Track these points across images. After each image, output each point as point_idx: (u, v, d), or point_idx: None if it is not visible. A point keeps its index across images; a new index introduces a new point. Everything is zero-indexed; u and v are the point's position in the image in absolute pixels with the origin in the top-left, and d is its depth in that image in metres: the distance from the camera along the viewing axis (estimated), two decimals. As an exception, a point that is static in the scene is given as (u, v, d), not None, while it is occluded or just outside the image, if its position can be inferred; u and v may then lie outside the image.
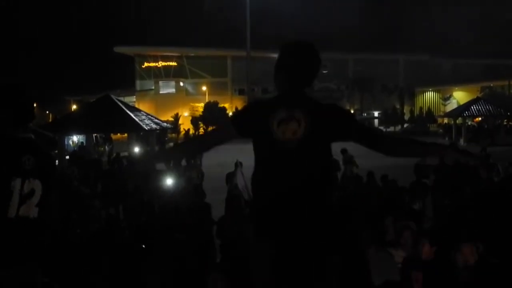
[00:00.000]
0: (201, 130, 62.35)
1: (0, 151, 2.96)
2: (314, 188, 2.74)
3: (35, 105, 3.34)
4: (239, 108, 47.07)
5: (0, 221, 2.89)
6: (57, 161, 15.40)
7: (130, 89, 79.71)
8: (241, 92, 77.11)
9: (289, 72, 2.89)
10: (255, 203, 2.94)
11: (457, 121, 43.32)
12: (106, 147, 27.23)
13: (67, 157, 18.49)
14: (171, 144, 12.37)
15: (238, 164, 10.34)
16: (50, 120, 39.09)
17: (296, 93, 2.89)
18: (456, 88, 78.81)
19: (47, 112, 69.60)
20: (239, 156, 11.79)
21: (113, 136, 27.67)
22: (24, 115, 3.13)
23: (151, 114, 23.84)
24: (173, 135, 52.56)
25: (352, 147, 15.05)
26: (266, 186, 2.79)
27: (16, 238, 2.94)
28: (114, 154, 18.04)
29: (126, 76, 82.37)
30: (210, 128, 62.46)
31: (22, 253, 2.96)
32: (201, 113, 64.91)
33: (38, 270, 3.11)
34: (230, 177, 10.61)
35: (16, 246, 2.93)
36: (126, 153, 20.89)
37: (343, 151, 14.50)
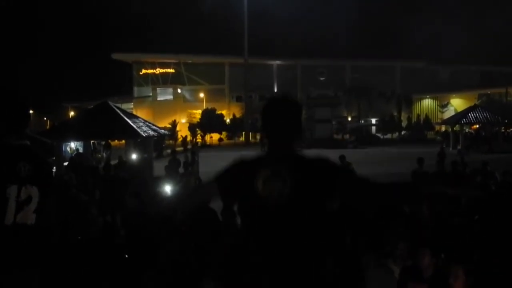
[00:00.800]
0: (199, 137, 62.35)
1: None
2: (303, 250, 2.69)
3: (30, 111, 3.32)
4: (237, 115, 46.64)
5: None
6: (54, 167, 15.38)
7: (128, 95, 79.67)
8: (238, 99, 77.27)
9: (272, 129, 2.87)
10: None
11: (455, 128, 43.42)
12: (104, 153, 27.19)
13: (65, 163, 18.43)
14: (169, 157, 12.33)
15: None
16: (48, 127, 39.05)
17: (282, 149, 2.83)
18: (454, 95, 78.97)
19: (45, 118, 69.59)
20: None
21: (111, 143, 27.61)
22: (18, 122, 3.12)
23: (148, 120, 23.80)
24: (171, 142, 52.56)
25: (349, 154, 15.08)
26: (253, 248, 2.76)
27: (15, 244, 2.93)
28: (117, 160, 18.03)
29: (124, 83, 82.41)
30: (207, 135, 62.59)
31: (21, 259, 2.96)
32: (198, 120, 64.96)
33: (37, 277, 3.11)
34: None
35: (15, 252, 2.93)
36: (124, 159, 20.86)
37: (341, 158, 14.50)
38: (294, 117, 2.88)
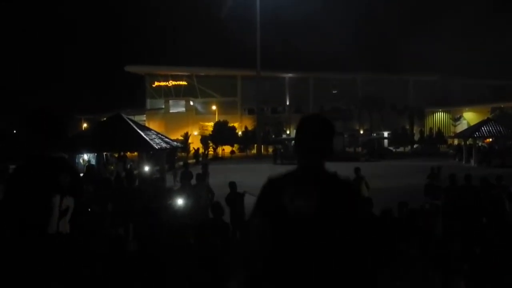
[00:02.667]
0: (211, 150, 62.41)
1: (41, 170, 3.09)
2: (329, 263, 2.74)
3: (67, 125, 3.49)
4: (249, 127, 46.52)
5: (41, 236, 2.97)
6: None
7: (140, 108, 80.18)
8: (250, 112, 77.44)
9: (304, 147, 2.95)
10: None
11: (468, 142, 43.16)
12: (119, 165, 27.23)
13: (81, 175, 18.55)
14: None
15: None
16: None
17: (312, 167, 2.93)
18: (466, 109, 78.67)
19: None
20: (246, 175, 11.83)
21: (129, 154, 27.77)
22: (56, 136, 3.27)
23: (161, 133, 23.91)
24: (183, 154, 52.69)
25: (362, 167, 15.03)
26: (280, 261, 2.81)
27: (53, 254, 3.01)
28: (124, 173, 18.08)
29: (137, 95, 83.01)
30: (219, 148, 62.60)
31: (53, 271, 3.03)
32: (210, 132, 65.09)
33: None
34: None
35: (50, 263, 3.00)
36: (136, 172, 20.95)
37: (356, 170, 14.41)
38: (328, 137, 2.97)
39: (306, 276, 2.73)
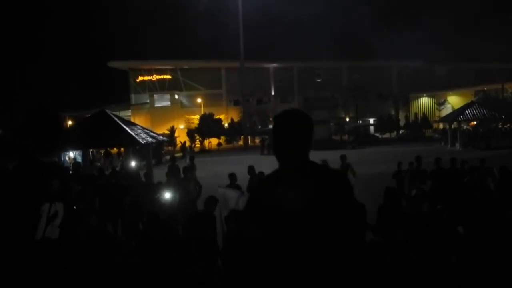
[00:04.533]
0: (197, 143, 62.31)
1: (33, 179, 3.03)
2: (322, 261, 2.73)
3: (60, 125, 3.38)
4: (235, 119, 46.68)
5: (28, 243, 2.94)
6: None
7: (125, 103, 79.80)
8: (236, 103, 77.35)
9: (285, 144, 2.88)
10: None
11: (452, 126, 43.50)
12: (104, 162, 27.15)
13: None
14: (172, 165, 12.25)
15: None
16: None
17: (298, 163, 2.88)
18: (450, 93, 79.12)
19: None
20: (233, 167, 11.86)
21: (114, 151, 27.58)
22: (52, 140, 3.21)
23: (147, 127, 23.80)
24: (170, 148, 52.54)
25: (348, 155, 15.11)
26: (275, 261, 2.80)
27: (39, 259, 2.98)
28: (110, 169, 18.01)
29: (121, 91, 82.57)
30: (206, 140, 62.52)
31: (38, 275, 3.00)
32: (196, 125, 64.95)
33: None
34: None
35: (36, 267, 2.97)
36: (117, 168, 20.87)
37: (342, 157, 14.49)
38: (302, 133, 2.90)
39: (301, 274, 2.72)
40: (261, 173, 12.75)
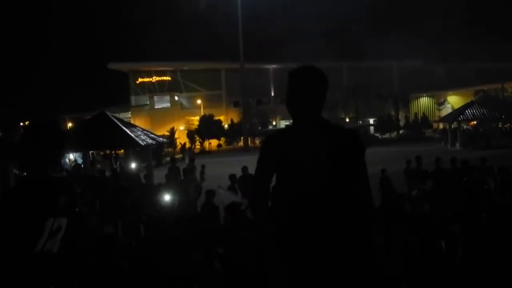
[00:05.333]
0: (197, 144, 62.29)
1: (40, 195, 2.98)
2: (338, 202, 2.78)
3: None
4: (235, 120, 46.68)
5: (26, 255, 2.91)
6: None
7: (125, 105, 79.73)
8: (236, 104, 77.30)
9: (303, 98, 2.95)
10: (279, 217, 2.93)
11: (453, 126, 43.48)
12: (115, 164, 27.01)
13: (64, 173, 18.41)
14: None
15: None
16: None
17: (315, 118, 2.95)
18: (450, 93, 79.05)
19: (43, 130, 69.23)
20: (233, 168, 11.87)
21: (108, 152, 27.48)
22: (58, 153, 3.15)
23: (147, 129, 23.79)
24: (170, 149, 52.52)
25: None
26: (290, 200, 2.84)
27: (37, 273, 2.95)
28: (111, 171, 18.04)
29: (121, 92, 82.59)
30: (206, 142, 62.52)
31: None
32: (196, 127, 64.93)
33: None
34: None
35: (35, 281, 2.95)
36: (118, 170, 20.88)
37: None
38: (324, 86, 3.07)
39: (318, 218, 2.76)
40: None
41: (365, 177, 2.92)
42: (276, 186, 2.97)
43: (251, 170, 13.40)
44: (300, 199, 2.79)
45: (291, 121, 3.05)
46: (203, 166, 17.04)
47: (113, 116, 20.42)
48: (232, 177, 12.41)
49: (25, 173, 3.11)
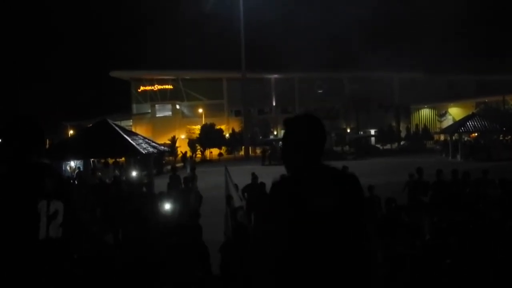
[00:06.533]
0: (198, 153, 62.28)
1: (25, 177, 3.10)
2: (347, 256, 2.89)
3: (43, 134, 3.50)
4: (236, 129, 46.72)
5: (32, 243, 2.98)
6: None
7: (126, 113, 79.83)
8: (237, 114, 77.44)
9: (307, 148, 3.01)
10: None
11: (454, 137, 43.48)
12: (116, 171, 26.99)
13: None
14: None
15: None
16: (47, 146, 39.09)
17: (316, 165, 3.04)
18: (451, 105, 79.18)
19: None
20: (234, 177, 11.88)
21: (111, 160, 27.47)
22: (37, 143, 3.30)
23: (148, 137, 23.80)
24: (171, 158, 52.55)
25: (349, 166, 15.10)
26: (304, 255, 2.91)
27: (45, 260, 3.02)
28: (112, 179, 18.01)
29: (123, 100, 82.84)
30: (207, 151, 62.51)
31: (45, 277, 3.03)
32: (198, 135, 64.96)
33: None
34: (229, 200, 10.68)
35: (43, 269, 3.01)
36: (123, 178, 20.87)
37: (344, 168, 14.46)
38: (324, 136, 3.08)
39: (327, 269, 2.86)
40: (262, 183, 12.77)
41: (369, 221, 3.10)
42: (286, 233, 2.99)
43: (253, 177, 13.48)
44: (312, 243, 2.89)
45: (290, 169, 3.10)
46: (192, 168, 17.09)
47: (114, 124, 20.42)
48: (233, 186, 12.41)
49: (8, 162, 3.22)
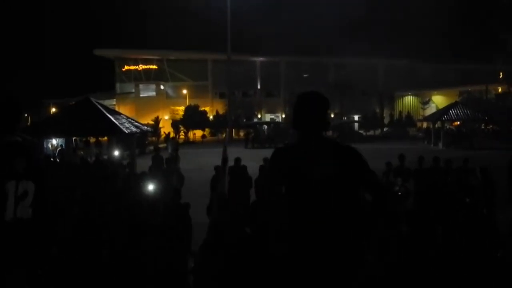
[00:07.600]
0: (181, 134, 62.03)
1: None
2: (338, 222, 3.13)
3: (21, 110, 3.40)
4: (220, 111, 46.94)
5: None
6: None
7: (110, 92, 79.14)
8: (221, 96, 77.17)
9: (311, 120, 3.38)
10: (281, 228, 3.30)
11: (436, 125, 43.81)
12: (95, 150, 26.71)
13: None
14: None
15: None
16: (29, 123, 38.62)
17: (319, 137, 3.38)
18: (435, 93, 79.63)
19: (26, 115, 68.87)
20: (217, 159, 11.85)
21: (92, 139, 27.18)
22: (11, 121, 3.16)
23: (131, 117, 23.60)
24: (154, 138, 52.27)
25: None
26: (295, 216, 3.19)
27: (15, 241, 2.94)
28: (94, 158, 17.86)
29: (106, 79, 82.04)
30: (191, 132, 62.32)
31: (14, 258, 2.96)
32: (181, 117, 64.67)
33: (23, 278, 3.09)
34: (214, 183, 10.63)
35: (16, 249, 2.94)
36: (105, 157, 20.73)
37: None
38: (326, 110, 3.49)
39: (320, 228, 3.10)
40: (244, 166, 12.74)
41: (377, 182, 3.43)
42: (286, 195, 3.29)
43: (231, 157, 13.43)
44: (306, 208, 3.13)
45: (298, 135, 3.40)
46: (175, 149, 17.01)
47: (97, 102, 20.23)
48: (217, 168, 12.37)
49: None
